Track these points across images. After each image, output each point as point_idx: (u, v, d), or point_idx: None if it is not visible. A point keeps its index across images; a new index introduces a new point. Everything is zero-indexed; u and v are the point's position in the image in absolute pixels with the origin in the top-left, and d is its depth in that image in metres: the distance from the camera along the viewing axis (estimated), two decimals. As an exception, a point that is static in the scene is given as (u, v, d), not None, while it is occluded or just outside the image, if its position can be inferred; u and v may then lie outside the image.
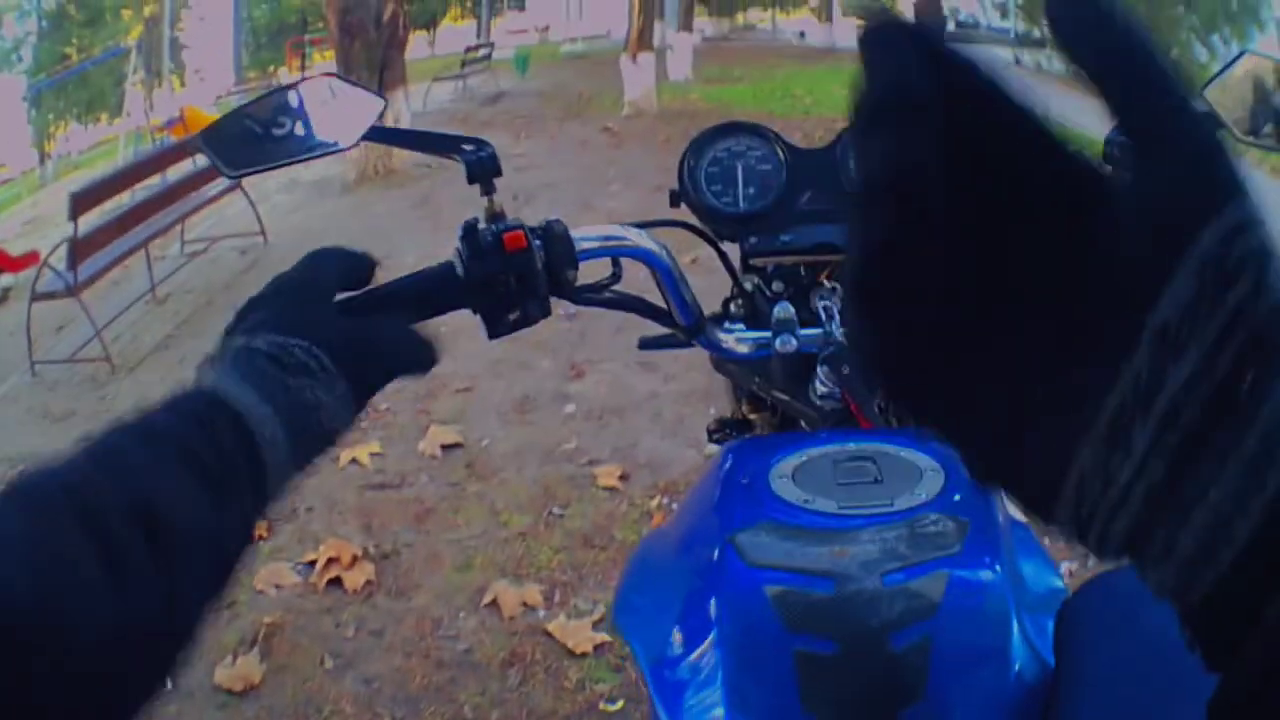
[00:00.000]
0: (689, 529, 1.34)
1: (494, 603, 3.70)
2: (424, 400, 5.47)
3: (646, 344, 1.64)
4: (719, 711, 1.04)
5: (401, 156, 11.63)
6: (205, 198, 9.31)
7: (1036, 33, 14.89)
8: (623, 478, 4.50)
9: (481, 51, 22.53)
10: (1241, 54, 1.41)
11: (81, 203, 7.32)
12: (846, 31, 28.65)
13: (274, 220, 9.97)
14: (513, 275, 1.17)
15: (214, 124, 1.36)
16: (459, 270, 1.18)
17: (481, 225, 1.20)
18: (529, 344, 5.97)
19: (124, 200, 8.70)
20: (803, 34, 37.84)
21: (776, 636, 1.01)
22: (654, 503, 4.26)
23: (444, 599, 3.77)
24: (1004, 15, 32.16)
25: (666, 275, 1.37)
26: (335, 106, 1.44)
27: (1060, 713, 0.99)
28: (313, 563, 4.03)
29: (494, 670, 3.37)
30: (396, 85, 11.42)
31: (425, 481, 4.65)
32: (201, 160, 9.90)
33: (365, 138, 1.43)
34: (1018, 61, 16.75)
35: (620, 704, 3.17)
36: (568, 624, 3.52)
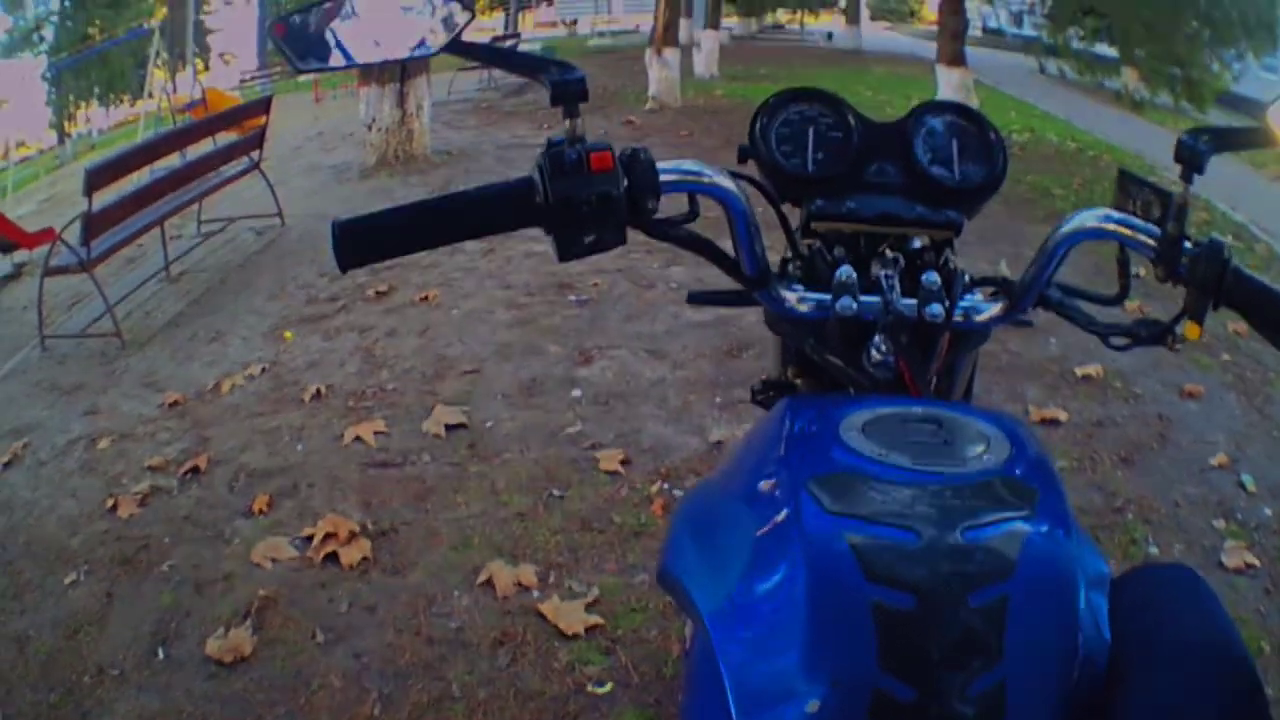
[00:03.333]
0: (751, 477, 1.26)
1: (489, 582, 3.67)
2: (431, 381, 5.46)
3: (696, 298, 1.69)
4: (788, 663, 1.00)
5: (421, 143, 11.63)
6: (223, 178, 9.27)
7: (1060, 41, 14.86)
8: (625, 462, 4.46)
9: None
10: None
11: (97, 178, 7.28)
12: (873, 34, 28.56)
13: (292, 203, 9.96)
14: (594, 196, 1.20)
15: (288, 16, 1.41)
16: (539, 187, 1.20)
17: (565, 145, 1.21)
18: (538, 329, 6.04)
19: (142, 178, 8.69)
20: (830, 35, 37.68)
21: (855, 587, 0.98)
22: (654, 488, 4.23)
23: (439, 577, 3.74)
24: (1018, 24, 32.15)
25: (742, 220, 1.37)
26: (420, 13, 1.50)
27: (1122, 690, 0.99)
28: (310, 538, 4.02)
29: (484, 649, 3.35)
30: (420, 73, 11.36)
31: (427, 461, 4.62)
32: (221, 140, 9.97)
33: (449, 48, 1.49)
34: (1042, 70, 16.71)
35: (609, 686, 3.14)
36: (561, 605, 3.49)
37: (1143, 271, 1.38)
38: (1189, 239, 1.30)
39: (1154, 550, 3.80)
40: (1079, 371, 5.33)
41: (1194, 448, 4.64)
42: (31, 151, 26.57)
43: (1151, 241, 1.33)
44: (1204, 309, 1.29)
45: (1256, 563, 3.73)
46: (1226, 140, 1.36)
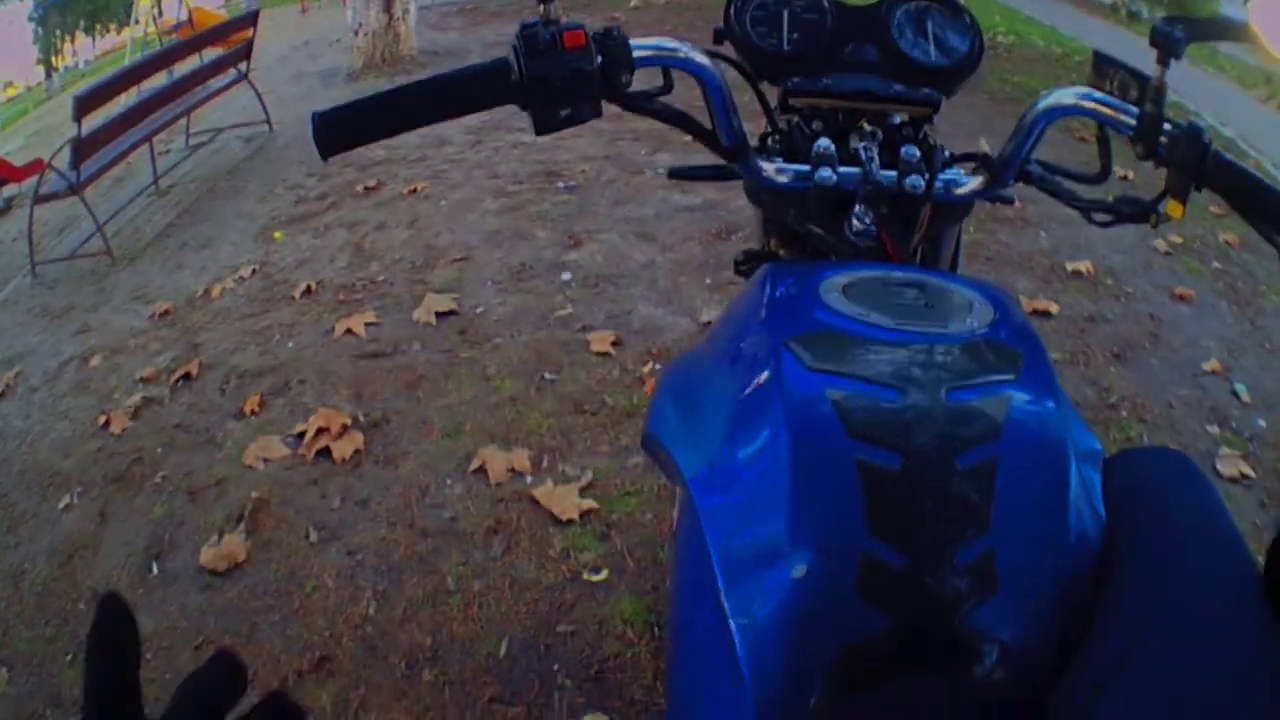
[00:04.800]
0: (733, 340, 1.28)
1: (481, 469, 3.61)
2: (421, 270, 5.39)
3: (677, 173, 1.76)
4: (774, 527, 0.97)
5: (408, 45, 11.54)
6: (210, 91, 9.17)
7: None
8: (616, 344, 4.40)
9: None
10: None
11: (86, 104, 7.22)
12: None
13: (280, 109, 9.90)
14: (568, 71, 1.23)
15: None
16: (514, 66, 1.23)
17: (540, 26, 1.23)
18: (526, 216, 5.98)
19: (130, 99, 8.61)
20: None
21: (838, 444, 0.97)
22: (646, 368, 4.17)
23: (431, 467, 3.69)
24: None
25: (716, 93, 1.40)
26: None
27: (1120, 568, 0.97)
28: (302, 434, 3.96)
29: (478, 539, 3.29)
30: (404, -22, 11.29)
31: (418, 349, 4.56)
32: (208, 55, 9.86)
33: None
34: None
35: (604, 574, 3.09)
36: (554, 490, 3.44)
37: (1131, 175, 1.30)
38: (1168, 120, 1.31)
39: (1148, 450, 3.71)
40: (1070, 266, 5.27)
41: (1186, 351, 4.60)
42: (19, 90, 26.54)
43: (1130, 120, 1.34)
44: (1186, 189, 1.30)
45: (1251, 473, 3.69)
46: (1202, 29, 1.36)
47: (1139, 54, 1.38)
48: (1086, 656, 0.90)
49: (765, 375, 1.08)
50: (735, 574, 0.97)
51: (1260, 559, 0.93)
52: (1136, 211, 1.40)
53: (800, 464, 0.98)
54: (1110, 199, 1.46)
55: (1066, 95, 1.41)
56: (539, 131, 1.28)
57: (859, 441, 0.96)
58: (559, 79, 1.22)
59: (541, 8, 1.23)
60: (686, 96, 1.37)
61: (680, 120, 1.40)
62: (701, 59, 1.37)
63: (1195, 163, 1.26)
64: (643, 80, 1.33)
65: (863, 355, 1.06)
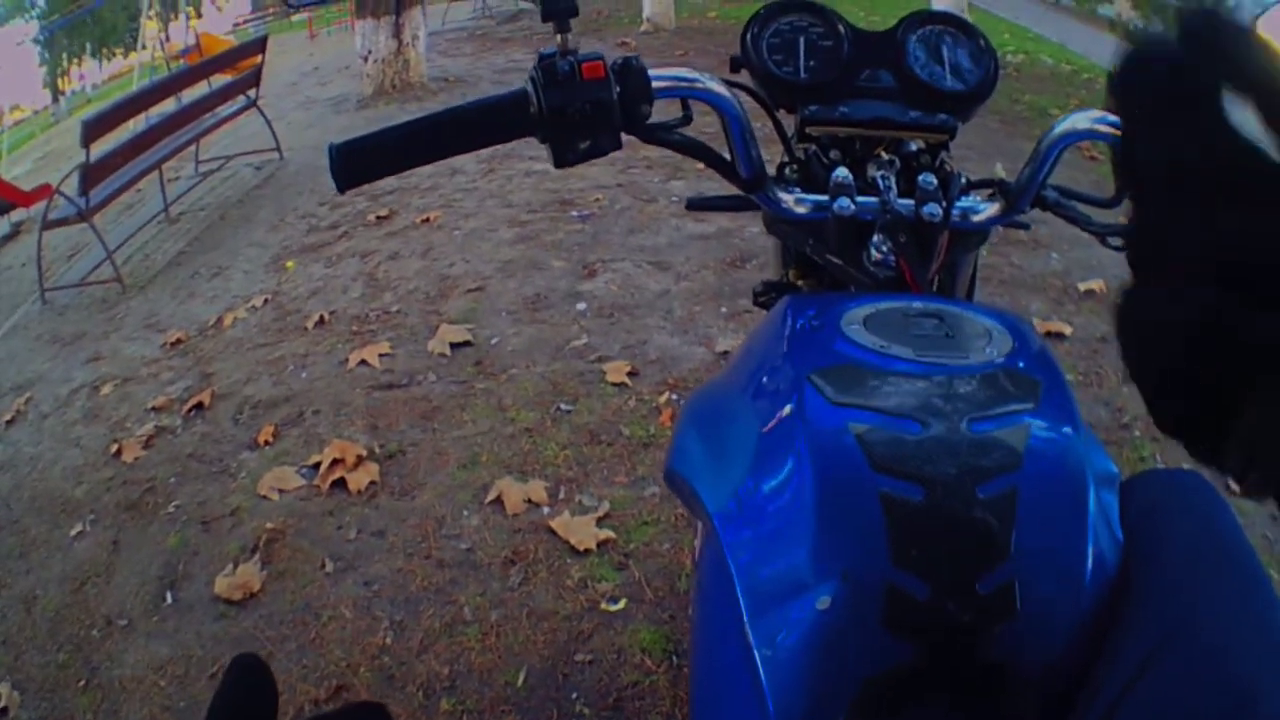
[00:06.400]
0: (755, 373, 1.27)
1: (498, 500, 3.59)
2: (435, 301, 5.38)
3: (694, 204, 1.73)
4: (798, 559, 0.98)
5: (418, 71, 11.57)
6: (220, 118, 9.20)
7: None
8: (632, 374, 4.37)
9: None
10: None
11: (93, 129, 7.21)
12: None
13: (290, 137, 9.94)
14: (587, 104, 1.22)
15: None
16: (533, 98, 1.22)
17: (557, 57, 1.22)
18: (541, 245, 5.96)
19: (139, 125, 8.63)
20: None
21: (862, 477, 0.97)
22: (662, 398, 4.14)
23: (448, 497, 3.67)
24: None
25: (735, 124, 1.39)
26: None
27: (1136, 592, 0.97)
28: (317, 465, 3.94)
29: (495, 570, 3.27)
30: (414, 4, 11.32)
31: (433, 380, 4.54)
32: (216, 81, 9.90)
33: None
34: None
35: (622, 603, 3.07)
36: (571, 521, 3.42)
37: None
38: None
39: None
40: (1082, 286, 5.24)
41: (1198, 369, 4.55)
42: (26, 114, 26.64)
43: None
44: None
45: (1264, 488, 3.63)
46: None
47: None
48: (1100, 681, 0.91)
49: (788, 409, 1.09)
50: (760, 607, 0.98)
51: (1274, 574, 0.93)
52: None
53: (825, 498, 0.99)
54: (1127, 223, 1.44)
55: (1082, 119, 1.42)
56: (558, 165, 1.28)
57: (882, 474, 0.96)
58: (578, 111, 1.22)
59: (558, 37, 1.23)
60: (698, 123, 1.37)
61: (700, 152, 1.40)
62: (720, 89, 1.37)
63: None
64: (659, 110, 1.33)
65: (884, 388, 1.06)
